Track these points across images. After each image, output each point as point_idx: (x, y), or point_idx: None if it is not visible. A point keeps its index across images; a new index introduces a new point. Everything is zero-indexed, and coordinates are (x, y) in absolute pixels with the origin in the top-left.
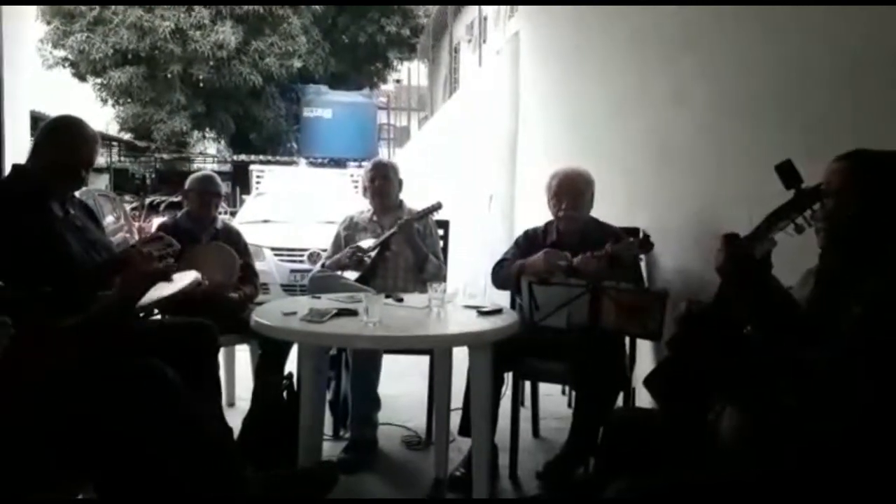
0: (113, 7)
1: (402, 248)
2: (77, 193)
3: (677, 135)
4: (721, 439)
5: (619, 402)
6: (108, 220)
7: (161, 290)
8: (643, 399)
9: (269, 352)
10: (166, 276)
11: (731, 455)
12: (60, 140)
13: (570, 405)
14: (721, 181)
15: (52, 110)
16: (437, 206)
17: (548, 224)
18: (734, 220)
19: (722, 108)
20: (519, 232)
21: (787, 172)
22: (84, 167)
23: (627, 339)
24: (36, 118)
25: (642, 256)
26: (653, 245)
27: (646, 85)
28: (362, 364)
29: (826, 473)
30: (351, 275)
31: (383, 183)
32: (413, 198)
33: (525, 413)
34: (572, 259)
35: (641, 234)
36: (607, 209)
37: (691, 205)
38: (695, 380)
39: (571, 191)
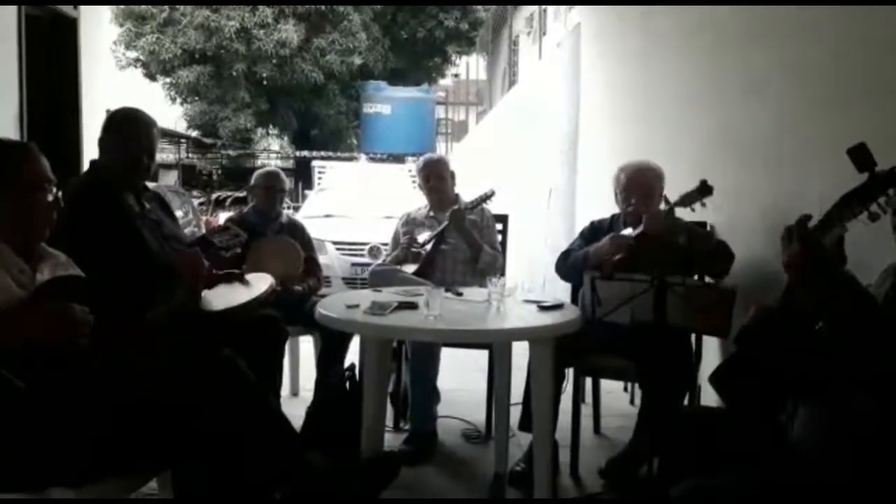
0: (182, 8)
1: (458, 241)
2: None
3: (750, 128)
4: (793, 441)
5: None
6: (177, 215)
7: (238, 297)
8: (708, 397)
9: (330, 343)
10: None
11: (804, 458)
12: (118, 132)
13: (632, 402)
14: (794, 175)
15: None
16: (490, 194)
17: (614, 217)
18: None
19: (800, 102)
20: (580, 226)
21: (860, 154)
22: (146, 154)
23: (693, 336)
24: None
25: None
26: (712, 189)
27: (719, 77)
28: (421, 357)
29: None
30: (409, 268)
31: (437, 182)
32: (470, 192)
33: (586, 410)
34: (636, 233)
35: (699, 182)
36: None
37: (763, 199)
38: (764, 378)
39: (643, 187)
